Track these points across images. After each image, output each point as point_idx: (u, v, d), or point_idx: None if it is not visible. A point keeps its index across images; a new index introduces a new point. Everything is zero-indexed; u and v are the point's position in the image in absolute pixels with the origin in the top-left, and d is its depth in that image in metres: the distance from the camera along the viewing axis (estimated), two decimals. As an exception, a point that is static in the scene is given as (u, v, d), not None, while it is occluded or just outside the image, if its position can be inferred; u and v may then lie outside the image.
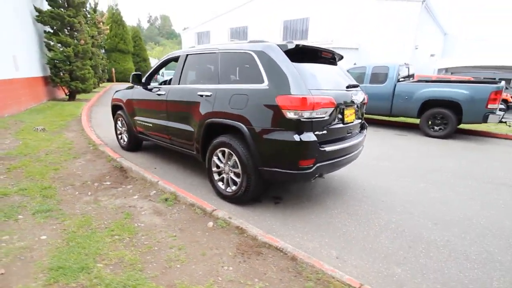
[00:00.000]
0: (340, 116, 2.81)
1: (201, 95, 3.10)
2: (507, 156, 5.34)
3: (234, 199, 2.93)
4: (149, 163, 4.22)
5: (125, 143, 4.85)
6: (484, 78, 18.38)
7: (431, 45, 17.19)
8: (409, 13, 13.85)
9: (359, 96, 3.10)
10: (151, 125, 4.02)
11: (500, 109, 6.02)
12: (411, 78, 7.94)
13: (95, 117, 8.08)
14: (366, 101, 3.38)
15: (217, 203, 2.91)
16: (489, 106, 5.76)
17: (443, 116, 6.38)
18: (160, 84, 4.49)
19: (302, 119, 2.41)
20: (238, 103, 2.70)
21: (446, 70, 15.19)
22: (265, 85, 2.57)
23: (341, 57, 3.32)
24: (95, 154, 4.49)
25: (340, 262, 2.10)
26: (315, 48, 2.88)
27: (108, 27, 13.71)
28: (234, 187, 2.92)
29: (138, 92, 4.26)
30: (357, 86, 3.19)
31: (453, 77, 12.05)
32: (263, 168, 2.62)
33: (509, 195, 3.47)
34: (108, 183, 3.44)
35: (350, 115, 2.95)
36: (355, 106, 3.03)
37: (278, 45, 2.68)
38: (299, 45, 2.68)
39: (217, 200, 3.03)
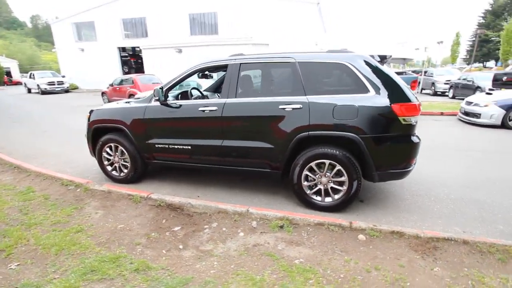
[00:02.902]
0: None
1: (283, 108, 2.91)
2: (442, 128, 7.21)
3: (336, 207, 2.97)
4: (182, 192, 3.56)
5: (123, 174, 3.84)
6: None
7: (319, 41, 20.33)
8: (308, 13, 15.92)
9: None
10: (189, 147, 3.37)
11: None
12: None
13: (2, 147, 5.77)
14: None
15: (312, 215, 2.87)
16: (411, 91, 7.66)
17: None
18: (177, 98, 3.77)
19: (412, 123, 2.73)
20: (346, 114, 2.73)
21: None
22: (373, 94, 2.71)
23: None
24: (100, 197, 3.38)
25: (470, 234, 2.59)
26: (385, 56, 3.18)
27: None
28: (336, 196, 2.95)
29: (156, 110, 3.45)
30: None
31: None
32: (377, 172, 2.80)
33: (480, 158, 4.84)
34: (178, 227, 2.77)
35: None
36: None
37: (370, 55, 2.85)
38: (382, 55, 2.94)
39: (313, 213, 2.97)
